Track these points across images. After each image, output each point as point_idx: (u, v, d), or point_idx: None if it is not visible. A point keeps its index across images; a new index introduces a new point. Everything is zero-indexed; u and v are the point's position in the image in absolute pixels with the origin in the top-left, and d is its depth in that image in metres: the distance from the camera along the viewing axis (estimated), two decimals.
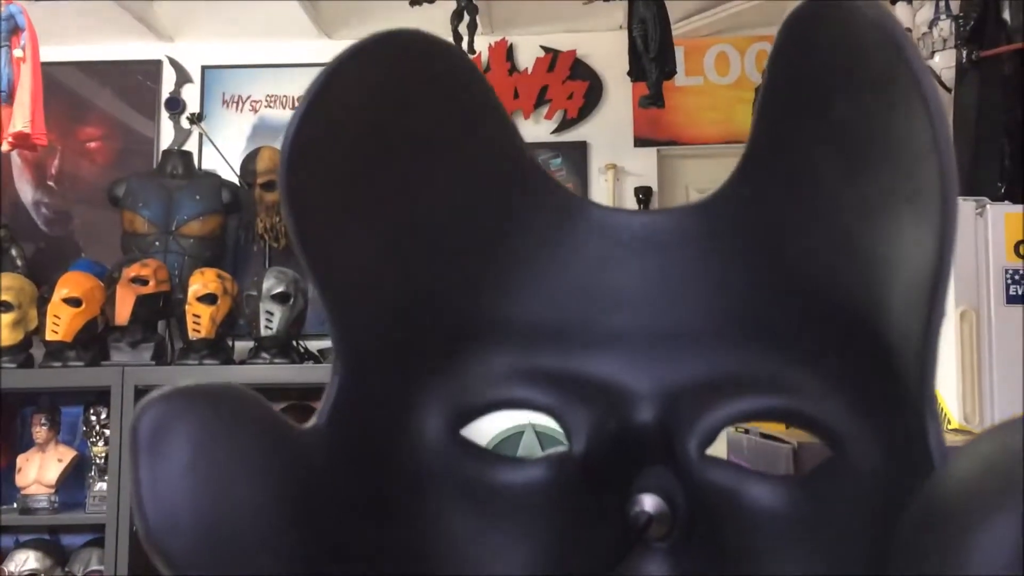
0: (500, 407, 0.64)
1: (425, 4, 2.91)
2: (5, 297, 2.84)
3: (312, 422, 0.58)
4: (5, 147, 2.85)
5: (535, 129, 3.57)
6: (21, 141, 2.84)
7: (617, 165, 3.57)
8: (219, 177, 3.37)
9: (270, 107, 3.60)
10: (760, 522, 0.58)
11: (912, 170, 0.46)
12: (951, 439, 0.57)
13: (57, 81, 3.47)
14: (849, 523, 0.55)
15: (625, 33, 3.11)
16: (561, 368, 0.64)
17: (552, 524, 0.62)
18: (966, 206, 1.81)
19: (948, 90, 2.35)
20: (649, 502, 0.61)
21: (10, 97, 2.83)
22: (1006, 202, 1.87)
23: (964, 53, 2.22)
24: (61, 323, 2.78)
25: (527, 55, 3.68)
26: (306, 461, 0.56)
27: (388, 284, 0.62)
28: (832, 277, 0.57)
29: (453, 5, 2.96)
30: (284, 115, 3.53)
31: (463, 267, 0.65)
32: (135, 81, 3.63)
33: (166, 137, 3.59)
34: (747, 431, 1.07)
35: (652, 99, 3.00)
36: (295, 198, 0.55)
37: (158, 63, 3.63)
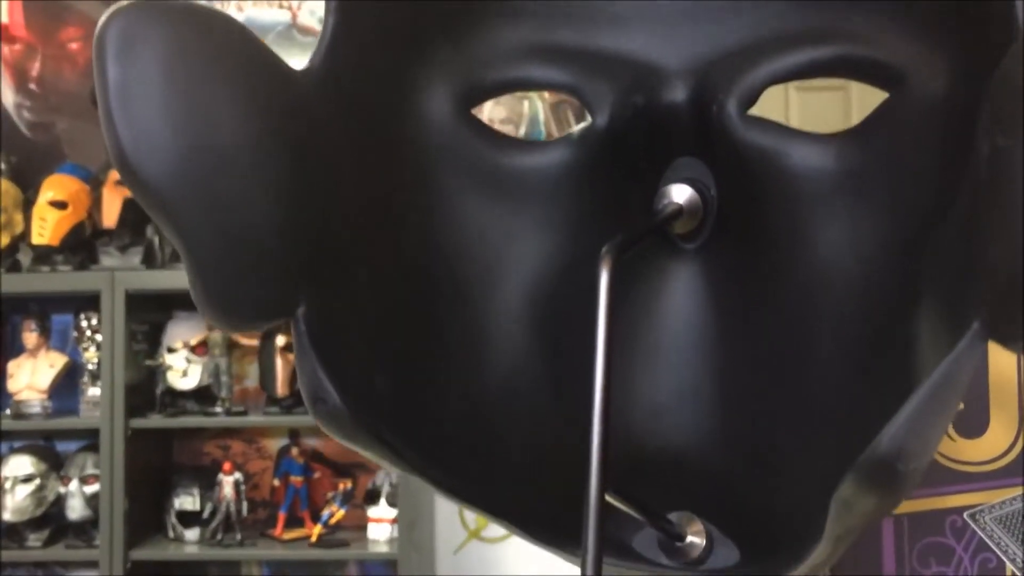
0: (513, 87, 0.60)
1: None
2: None
3: (304, 65, 0.53)
4: None
5: None
6: None
7: None
8: None
9: (256, 4, 3.48)
10: (805, 186, 0.53)
11: None
12: None
13: None
14: (907, 168, 0.50)
15: None
16: (581, 44, 0.59)
17: (573, 211, 0.58)
18: None
19: None
20: (678, 192, 0.57)
21: None
22: None
23: None
24: (47, 226, 2.72)
25: None
26: (298, 98, 0.51)
27: None
28: None
29: None
30: (271, 13, 3.40)
31: None
32: None
33: None
34: None
35: None
36: None
37: None
